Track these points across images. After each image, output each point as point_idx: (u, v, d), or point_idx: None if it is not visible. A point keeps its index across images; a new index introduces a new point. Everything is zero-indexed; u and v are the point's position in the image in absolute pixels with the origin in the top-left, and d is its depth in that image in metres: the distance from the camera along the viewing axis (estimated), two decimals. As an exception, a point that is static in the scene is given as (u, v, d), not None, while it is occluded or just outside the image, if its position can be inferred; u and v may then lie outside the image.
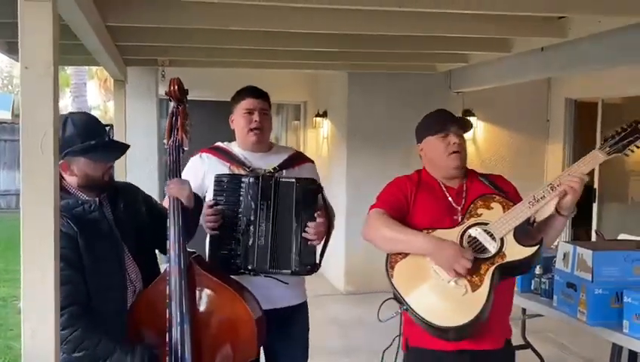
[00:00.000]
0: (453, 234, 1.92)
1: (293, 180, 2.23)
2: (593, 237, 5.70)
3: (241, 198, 2.21)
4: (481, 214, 1.94)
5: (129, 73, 4.99)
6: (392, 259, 1.97)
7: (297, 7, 3.12)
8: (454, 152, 2.01)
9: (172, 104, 2.00)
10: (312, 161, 2.50)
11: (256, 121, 2.32)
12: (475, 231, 1.91)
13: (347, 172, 6.04)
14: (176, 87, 1.96)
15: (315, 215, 2.21)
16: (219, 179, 2.24)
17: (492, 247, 1.89)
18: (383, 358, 2.12)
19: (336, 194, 5.63)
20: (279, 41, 4.09)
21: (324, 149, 6.80)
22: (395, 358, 2.07)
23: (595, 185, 5.93)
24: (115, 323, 1.81)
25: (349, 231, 5.77)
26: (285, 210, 2.21)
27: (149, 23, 3.35)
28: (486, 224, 1.91)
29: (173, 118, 1.97)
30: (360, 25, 3.50)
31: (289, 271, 2.21)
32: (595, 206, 5.89)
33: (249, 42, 4.10)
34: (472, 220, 1.94)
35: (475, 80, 5.59)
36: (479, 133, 6.25)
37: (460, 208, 2.02)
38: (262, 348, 2.24)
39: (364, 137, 6.02)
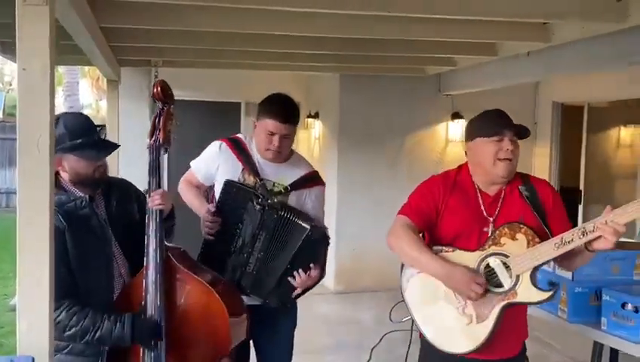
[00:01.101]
0: (472, 258, 1.89)
1: (308, 227, 2.16)
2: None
3: (242, 216, 2.20)
4: (504, 244, 1.87)
5: (122, 74, 5.03)
6: (407, 271, 1.99)
7: (291, 10, 3.18)
8: (505, 159, 1.89)
9: (157, 105, 2.04)
10: (324, 184, 2.44)
11: (275, 145, 2.23)
12: (493, 262, 1.87)
13: (338, 172, 6.10)
14: (159, 88, 1.99)
15: (311, 266, 2.20)
16: (227, 188, 2.22)
17: (507, 283, 1.85)
18: (371, 356, 2.17)
19: (327, 194, 5.67)
20: (272, 44, 4.14)
21: (315, 150, 6.86)
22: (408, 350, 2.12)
23: (581, 187, 6.04)
24: (103, 310, 1.86)
25: (339, 231, 5.83)
26: (285, 248, 2.20)
27: (143, 24, 3.39)
28: (506, 256, 1.86)
29: (157, 119, 2.01)
30: (351, 28, 3.57)
31: (261, 300, 2.25)
32: (580, 208, 5.99)
33: (242, 44, 4.15)
34: (494, 248, 1.87)
35: (464, 83, 5.67)
36: (468, 135, 6.32)
37: (492, 219, 1.95)
38: (252, 341, 2.28)
39: (355, 138, 6.08)
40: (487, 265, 1.87)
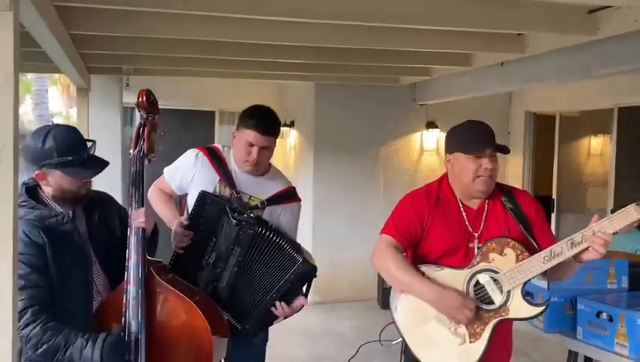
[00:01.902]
0: (461, 276, 1.87)
1: (300, 259, 2.07)
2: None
3: (216, 231, 2.13)
4: (493, 260, 1.85)
5: (93, 81, 4.92)
6: (396, 293, 1.97)
7: (265, 19, 3.15)
8: (484, 177, 1.89)
9: (141, 114, 1.97)
10: (300, 200, 2.40)
11: (254, 158, 2.18)
12: (483, 279, 1.85)
13: (314, 182, 6.07)
14: (144, 98, 1.93)
15: (295, 299, 2.13)
16: (202, 199, 2.16)
17: (497, 300, 1.83)
18: None
19: (303, 203, 5.63)
20: (246, 52, 4.11)
21: (291, 159, 6.83)
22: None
23: (554, 196, 6.13)
24: (79, 327, 1.78)
25: (315, 241, 5.80)
26: (270, 275, 2.11)
27: (114, 31, 3.32)
28: (496, 272, 1.84)
29: (141, 129, 1.95)
30: (326, 37, 3.56)
31: (239, 326, 2.17)
32: (553, 216, 6.08)
33: (216, 52, 4.10)
34: (483, 265, 1.86)
35: (438, 93, 5.72)
36: (442, 144, 6.35)
37: (477, 234, 1.94)
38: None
39: (331, 147, 6.07)
40: (477, 282, 1.86)
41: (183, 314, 1.89)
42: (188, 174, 2.28)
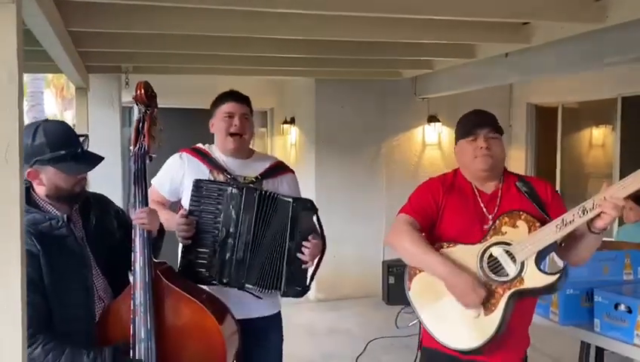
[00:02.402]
0: (474, 251, 1.86)
1: (290, 200, 2.13)
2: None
3: (220, 207, 2.12)
4: (506, 233, 1.85)
5: (91, 81, 4.85)
6: (411, 271, 1.97)
7: (263, 11, 3.10)
8: (481, 155, 1.92)
9: (139, 109, 1.90)
10: (293, 172, 2.41)
11: (236, 125, 2.25)
12: (496, 251, 1.84)
13: (316, 178, 6.03)
14: (142, 90, 1.86)
15: (310, 237, 2.14)
16: (198, 185, 2.14)
17: (511, 271, 1.82)
18: None
19: (305, 201, 5.59)
20: (245, 48, 4.06)
21: (292, 156, 6.77)
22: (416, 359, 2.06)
23: (557, 188, 6.09)
24: (82, 342, 1.71)
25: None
26: (278, 228, 2.12)
27: (113, 28, 3.26)
28: (509, 244, 1.83)
29: (140, 124, 1.88)
30: (326, 30, 3.51)
31: (279, 292, 2.15)
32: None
33: (214, 48, 4.05)
34: (495, 238, 1.86)
35: (440, 86, 5.67)
36: (444, 138, 6.33)
37: (491, 216, 1.94)
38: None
39: (332, 143, 6.03)
40: (491, 255, 1.85)
41: (194, 317, 1.82)
42: (177, 176, 2.26)
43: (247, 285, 2.13)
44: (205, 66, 4.85)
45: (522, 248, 1.81)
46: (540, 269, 1.80)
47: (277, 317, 2.38)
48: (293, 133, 6.75)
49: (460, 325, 1.85)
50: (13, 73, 1.29)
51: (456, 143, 2.03)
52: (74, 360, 1.63)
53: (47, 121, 1.83)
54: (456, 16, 3.19)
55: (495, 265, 1.84)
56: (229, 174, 2.23)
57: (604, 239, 3.51)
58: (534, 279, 1.80)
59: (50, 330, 1.64)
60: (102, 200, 1.95)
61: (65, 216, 1.75)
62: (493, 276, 1.83)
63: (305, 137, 6.41)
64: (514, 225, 1.85)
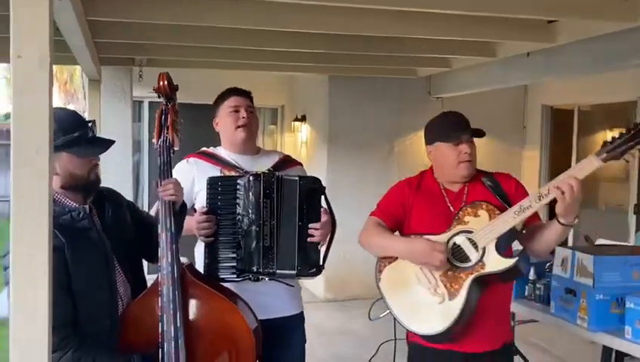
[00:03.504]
0: (439, 240, 1.95)
1: (297, 178, 2.11)
2: (570, 243, 5.77)
3: (238, 200, 2.09)
4: (468, 222, 1.94)
5: (102, 74, 4.79)
6: (380, 264, 2.07)
7: (276, 2, 3.04)
8: (465, 161, 2.00)
9: (161, 101, 1.88)
10: (301, 164, 2.43)
11: (243, 117, 2.25)
12: (459, 239, 1.92)
13: (327, 177, 5.95)
14: (165, 82, 1.84)
15: (320, 212, 2.11)
16: (213, 182, 2.11)
17: (473, 257, 1.90)
18: None
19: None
20: (259, 41, 4.01)
21: (302, 154, 6.70)
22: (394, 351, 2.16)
23: (572, 191, 6.01)
24: (107, 340, 1.67)
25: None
26: (288, 208, 2.09)
27: (129, 17, 3.20)
28: (471, 232, 1.92)
29: (163, 117, 1.85)
30: (341, 24, 3.45)
31: (293, 272, 2.09)
32: (571, 211, 5.96)
33: (228, 41, 4.00)
34: (459, 227, 1.94)
35: (455, 85, 5.60)
36: (458, 138, 6.26)
37: (456, 212, 2.01)
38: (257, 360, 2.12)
39: (344, 142, 5.96)
40: (455, 244, 1.93)
41: (221, 313, 1.79)
42: (187, 179, 2.22)
43: (278, 271, 2.08)
44: (218, 60, 4.79)
45: (483, 235, 1.90)
46: (499, 254, 1.88)
47: (299, 318, 2.34)
48: (304, 130, 6.68)
49: (426, 311, 1.93)
50: (45, 55, 1.23)
51: (431, 143, 2.08)
52: None
53: (54, 108, 1.80)
54: (477, 12, 3.11)
55: (459, 253, 1.93)
56: (241, 169, 2.20)
57: (622, 243, 3.45)
58: (494, 263, 1.88)
59: (78, 332, 1.59)
60: (114, 194, 1.91)
61: (87, 206, 1.70)
62: (457, 263, 1.92)
63: (316, 135, 6.34)
64: (476, 215, 1.93)
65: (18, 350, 1.22)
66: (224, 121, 2.28)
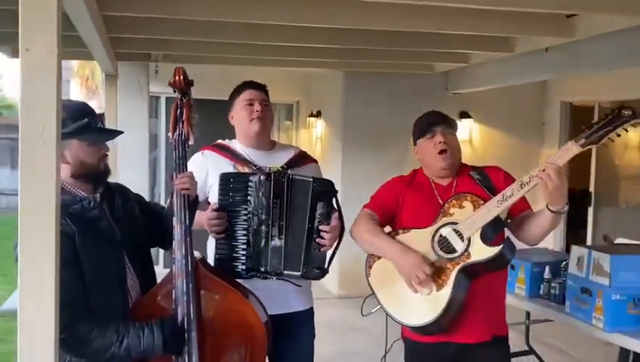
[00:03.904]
0: (425, 233, 2.01)
1: (310, 179, 2.10)
2: (589, 242, 5.68)
3: (249, 198, 2.08)
4: (453, 213, 1.98)
5: (119, 69, 4.83)
6: (370, 259, 2.14)
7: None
8: (442, 151, 2.06)
9: (176, 95, 1.90)
10: (316, 161, 2.41)
11: (257, 110, 2.25)
12: (445, 231, 1.97)
13: (342, 173, 5.94)
14: (181, 77, 1.87)
15: (332, 217, 2.09)
16: (225, 178, 2.11)
17: (459, 247, 1.94)
18: None
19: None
20: (275, 36, 4.00)
21: (317, 150, 6.69)
22: (386, 346, 2.24)
23: (591, 189, 5.91)
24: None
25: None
26: (299, 209, 2.09)
27: (143, 12, 3.21)
28: (456, 223, 1.96)
29: (178, 111, 1.87)
30: (356, 20, 3.43)
31: (298, 274, 2.09)
32: (590, 210, 5.86)
33: (244, 36, 3.99)
34: (444, 219, 1.99)
35: (473, 81, 5.53)
36: (475, 134, 6.20)
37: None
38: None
39: (359, 138, 5.93)
40: (441, 235, 1.98)
41: (234, 306, 1.80)
42: (201, 172, 2.22)
43: (285, 271, 2.08)
44: (234, 56, 4.79)
45: (468, 225, 1.94)
46: (484, 243, 1.91)
47: (309, 313, 2.33)
48: (319, 126, 6.67)
49: (414, 303, 1.97)
50: (53, 48, 1.24)
51: (414, 143, 2.18)
52: (119, 331, 1.60)
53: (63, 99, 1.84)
54: (495, 7, 3.06)
55: (446, 245, 1.97)
56: (254, 165, 2.19)
57: (629, 241, 3.37)
58: (479, 252, 1.91)
59: (87, 308, 1.61)
60: (122, 187, 1.94)
61: (97, 196, 1.71)
62: (443, 254, 1.96)
63: (331, 131, 6.32)
64: (460, 206, 1.98)
65: (26, 337, 1.23)
66: (239, 115, 2.28)
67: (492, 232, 1.94)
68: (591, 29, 3.45)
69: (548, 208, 1.90)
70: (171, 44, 4.45)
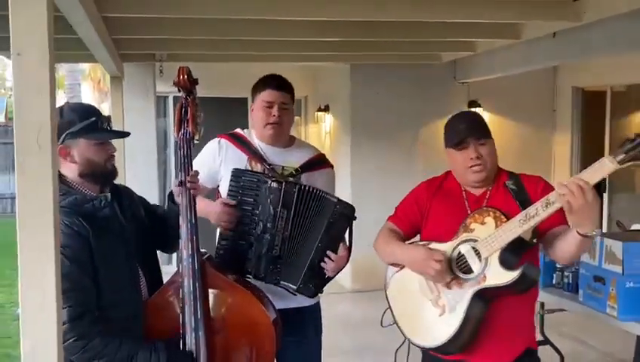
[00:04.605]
0: (445, 248, 1.85)
1: (335, 200, 2.04)
2: (604, 228, 5.59)
3: (258, 200, 2.06)
4: (474, 229, 1.81)
5: (125, 70, 4.84)
6: (389, 272, 2.02)
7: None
8: (474, 165, 1.86)
9: (181, 94, 1.90)
10: (332, 166, 2.35)
11: (274, 115, 2.17)
12: (464, 248, 1.81)
13: (351, 167, 5.92)
14: (185, 76, 1.86)
15: (340, 246, 2.06)
16: (237, 175, 2.09)
17: (476, 268, 1.78)
18: (395, 358, 2.04)
19: (340, 190, 5.49)
20: (281, 32, 3.98)
21: (326, 144, 6.67)
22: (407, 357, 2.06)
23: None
24: (130, 326, 1.69)
25: (354, 228, 5.64)
26: (312, 225, 2.04)
27: (145, 12, 3.21)
28: (475, 241, 1.79)
29: (183, 110, 1.87)
30: (361, 11, 3.39)
31: (294, 288, 2.07)
32: (605, 196, 5.77)
33: (249, 33, 3.98)
34: (465, 235, 1.82)
35: (481, 70, 5.46)
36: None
37: None
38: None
39: (368, 131, 5.90)
40: (459, 253, 1.84)
41: (242, 304, 1.79)
42: (215, 162, 2.22)
43: (282, 282, 2.06)
44: (239, 53, 4.78)
45: (486, 244, 1.76)
46: (502, 266, 1.73)
47: (316, 308, 2.31)
48: (327, 120, 6.65)
49: (427, 322, 1.86)
50: (45, 52, 1.23)
51: (445, 148, 1.96)
52: (130, 353, 1.61)
53: (68, 102, 1.88)
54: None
55: (463, 263, 1.82)
56: (268, 164, 2.16)
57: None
58: (496, 276, 1.74)
59: (103, 318, 1.61)
60: (127, 189, 1.94)
61: (108, 195, 1.71)
62: (460, 274, 1.81)
63: (340, 125, 6.29)
64: (482, 222, 1.80)
65: (29, 341, 1.23)
66: (257, 114, 2.22)
67: (513, 254, 1.75)
68: (598, 13, 3.37)
69: (577, 231, 1.65)
70: (175, 43, 4.45)
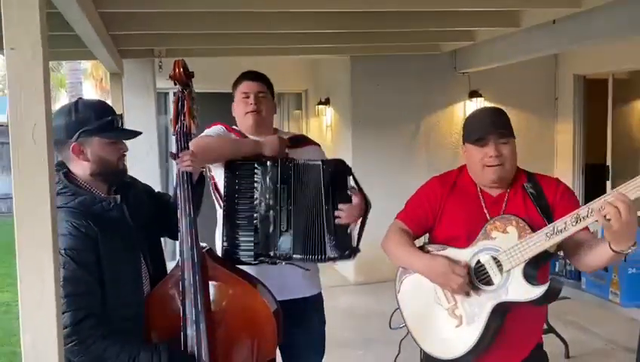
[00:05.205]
0: (464, 256, 1.76)
1: (319, 162, 2.07)
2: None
3: (256, 184, 2.08)
4: (495, 238, 1.72)
5: (125, 67, 4.84)
6: (401, 274, 1.93)
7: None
8: (491, 166, 1.78)
9: (177, 88, 1.90)
10: (318, 144, 2.39)
11: (252, 103, 2.23)
12: (483, 258, 1.73)
13: (353, 159, 5.89)
14: (181, 69, 1.87)
15: (350, 194, 2.06)
16: (231, 166, 2.10)
17: (496, 280, 1.70)
18: (400, 349, 2.02)
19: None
20: (280, 24, 3.97)
21: (327, 138, 6.67)
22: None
23: (608, 163, 5.79)
24: (133, 328, 1.69)
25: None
26: (312, 193, 2.06)
27: (143, 7, 3.20)
28: (497, 251, 1.71)
29: (179, 103, 1.87)
30: (359, 2, 3.37)
31: (325, 258, 2.05)
32: (608, 183, 5.75)
33: (248, 26, 3.96)
34: (485, 243, 1.74)
35: (481, 59, 5.43)
36: (487, 114, 6.10)
37: None
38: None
39: (369, 123, 5.88)
40: (479, 261, 1.74)
41: (242, 296, 1.80)
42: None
43: (294, 256, 2.05)
44: (238, 47, 4.76)
45: (509, 256, 1.68)
46: (526, 280, 1.65)
47: (318, 298, 2.33)
48: (328, 114, 6.63)
49: (441, 333, 1.78)
50: (38, 46, 1.22)
51: (463, 143, 1.89)
52: (131, 355, 1.60)
53: (81, 98, 1.84)
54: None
55: (483, 273, 1.73)
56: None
57: None
58: (518, 291, 1.66)
59: (106, 320, 1.61)
60: (131, 180, 1.93)
61: (118, 197, 1.71)
62: (479, 284, 1.73)
63: (341, 118, 6.28)
64: (504, 231, 1.71)
65: (29, 335, 1.25)
66: (237, 107, 2.29)
67: (536, 267, 1.69)
68: (597, -1, 3.35)
69: (610, 247, 1.57)
70: (174, 38, 4.44)
